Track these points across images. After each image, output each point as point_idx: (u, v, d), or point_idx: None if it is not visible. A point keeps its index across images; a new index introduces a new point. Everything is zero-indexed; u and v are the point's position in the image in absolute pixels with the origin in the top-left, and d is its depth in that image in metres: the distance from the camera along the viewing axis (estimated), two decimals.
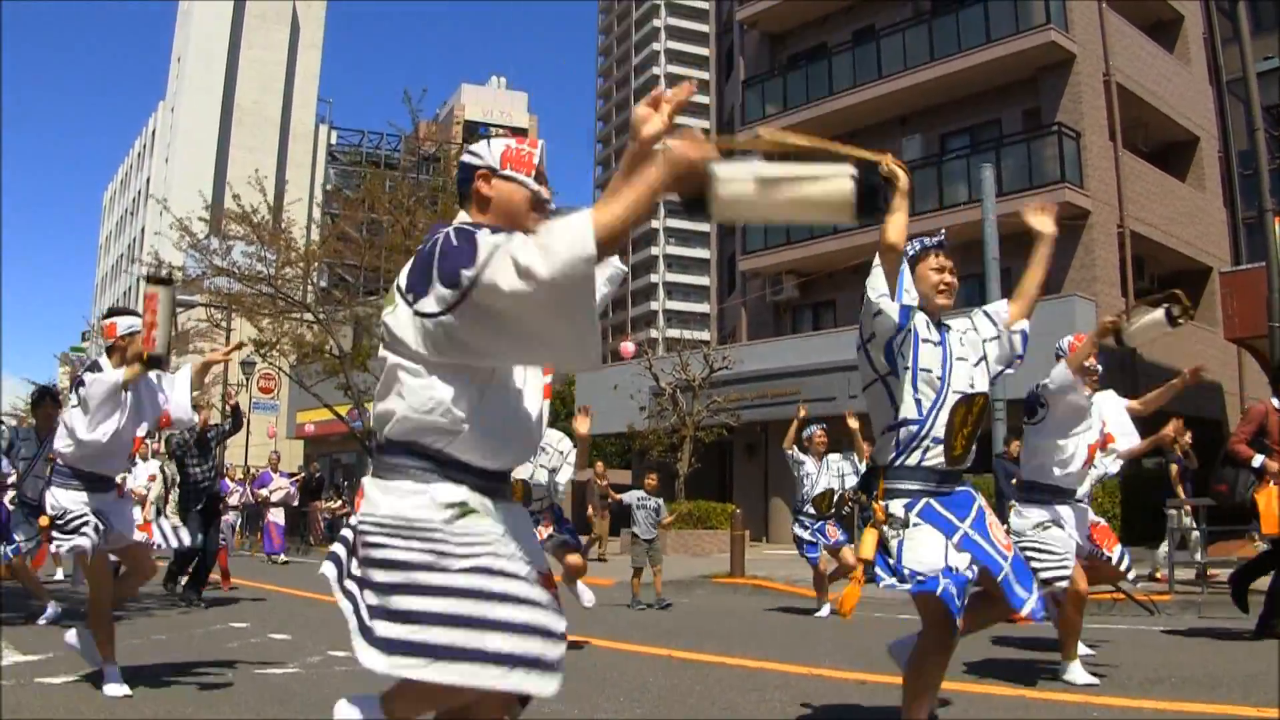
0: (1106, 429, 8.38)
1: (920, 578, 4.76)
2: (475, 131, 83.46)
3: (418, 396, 3.20)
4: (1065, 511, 7.68)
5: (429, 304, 3.10)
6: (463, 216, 3.50)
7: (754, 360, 31.39)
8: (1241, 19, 18.80)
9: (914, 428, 4.99)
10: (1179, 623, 11.23)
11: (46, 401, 11.37)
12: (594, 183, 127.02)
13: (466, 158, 3.59)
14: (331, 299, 34.53)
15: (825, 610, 12.97)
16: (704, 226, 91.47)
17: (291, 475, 30.10)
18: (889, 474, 5.04)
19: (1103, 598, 12.85)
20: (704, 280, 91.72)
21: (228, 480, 21.72)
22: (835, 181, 2.99)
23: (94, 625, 7.05)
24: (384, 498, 3.24)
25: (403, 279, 3.26)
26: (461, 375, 3.21)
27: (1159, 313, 7.08)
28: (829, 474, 12.98)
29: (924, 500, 4.94)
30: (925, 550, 4.82)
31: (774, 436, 31.76)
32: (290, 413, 51.79)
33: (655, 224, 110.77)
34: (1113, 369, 11.32)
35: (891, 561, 4.91)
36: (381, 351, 3.32)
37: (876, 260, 5.02)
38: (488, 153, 3.55)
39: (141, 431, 7.88)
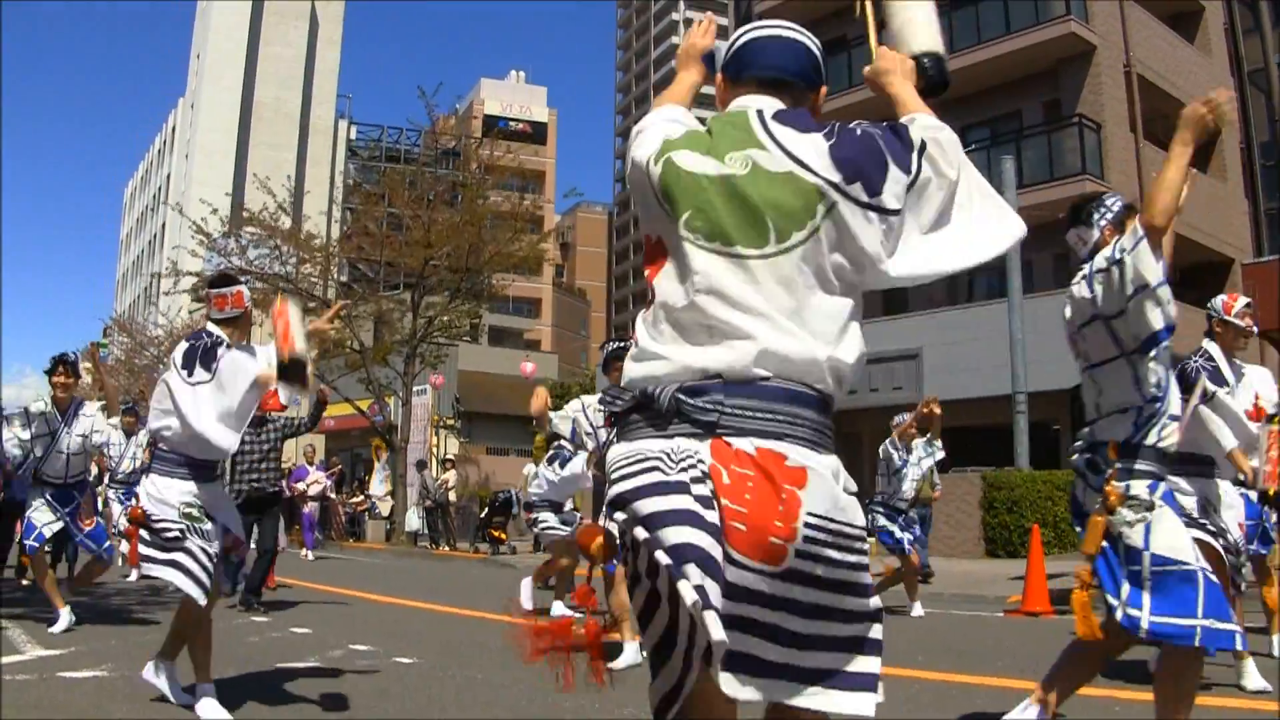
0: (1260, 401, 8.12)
1: (1175, 568, 4.49)
2: (494, 125, 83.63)
3: None
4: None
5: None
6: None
7: None
8: (1262, 10, 18.82)
9: (1157, 405, 4.76)
10: None
11: (60, 370, 10.38)
12: (614, 176, 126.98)
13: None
14: (352, 294, 34.56)
15: (918, 609, 12.32)
16: None
17: (328, 469, 30.04)
18: (1124, 454, 4.77)
19: None
20: None
21: (306, 466, 21.43)
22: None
23: (189, 644, 6.44)
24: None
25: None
26: None
27: None
28: (914, 467, 12.55)
29: (1164, 483, 4.72)
30: (1176, 536, 4.58)
31: None
32: None
33: None
34: None
35: (1113, 561, 4.65)
36: None
37: (1139, 237, 4.60)
38: None
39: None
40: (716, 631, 2.26)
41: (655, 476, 2.48)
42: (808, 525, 2.44)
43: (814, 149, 2.66)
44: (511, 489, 29.37)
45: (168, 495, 6.31)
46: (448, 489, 30.37)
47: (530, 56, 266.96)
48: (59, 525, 10.35)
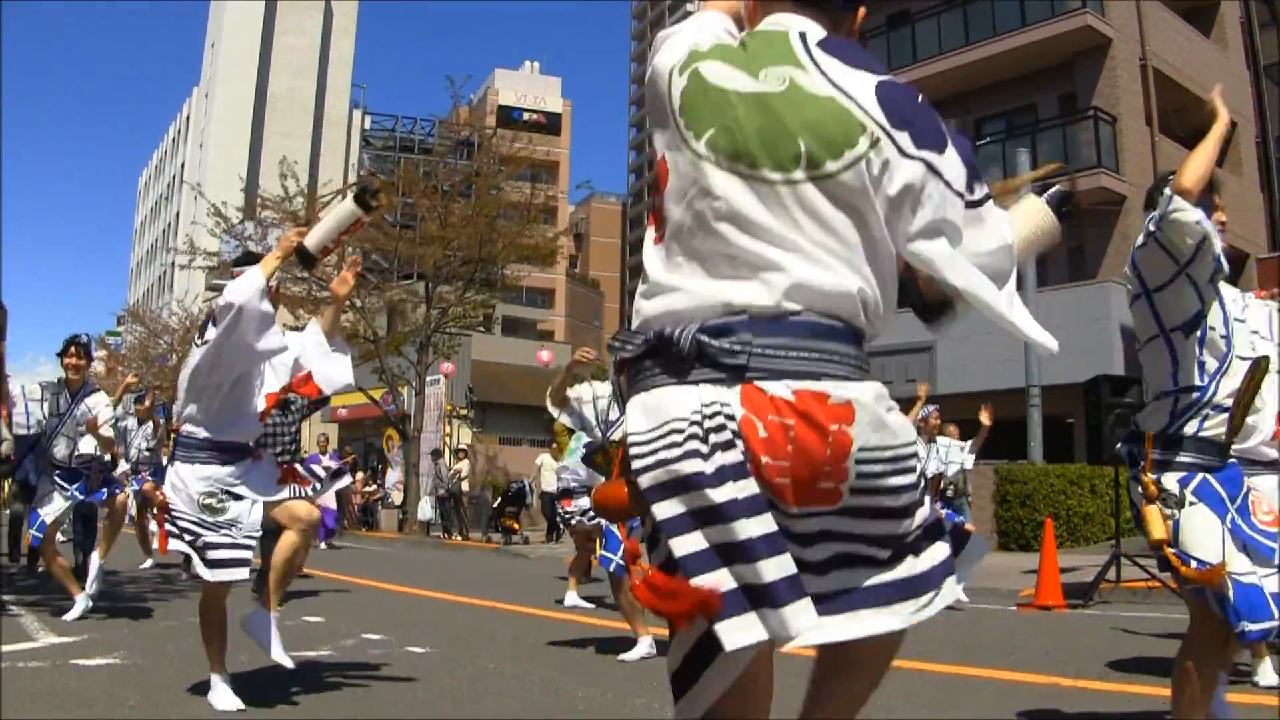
0: None
1: (1205, 568, 4.31)
2: (509, 116, 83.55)
3: None
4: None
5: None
6: None
7: None
8: (1279, 5, 18.68)
9: (1195, 395, 4.57)
10: None
11: (71, 351, 10.17)
12: (628, 167, 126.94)
13: None
14: (366, 284, 34.62)
15: None
16: None
17: (341, 457, 30.00)
18: (1162, 445, 4.62)
19: (1137, 585, 12.81)
20: None
21: (319, 455, 21.37)
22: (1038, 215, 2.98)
23: (205, 634, 6.35)
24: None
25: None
26: None
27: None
28: (935, 459, 12.62)
29: (1200, 475, 4.51)
30: (1204, 534, 4.40)
31: None
32: None
33: None
34: None
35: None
36: None
37: (1170, 203, 4.41)
38: None
39: (275, 387, 6.65)
40: (736, 641, 2.17)
41: (688, 466, 2.22)
42: (860, 461, 2.28)
43: (861, 84, 2.40)
44: (524, 479, 29.39)
45: (188, 484, 6.19)
46: (461, 478, 30.40)
47: (545, 47, 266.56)
48: (66, 505, 10.22)
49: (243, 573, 6.20)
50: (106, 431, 10.21)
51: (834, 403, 2.27)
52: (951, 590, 2.50)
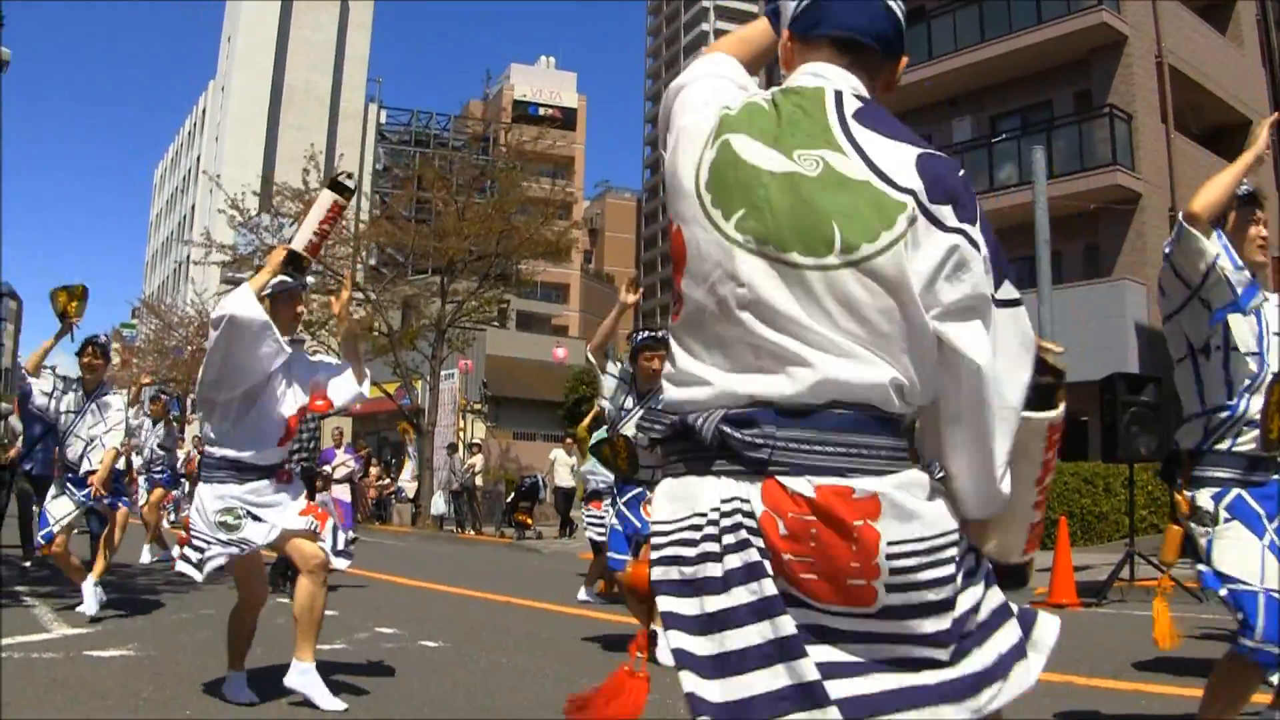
0: None
1: (1237, 586, 4.23)
2: (525, 111, 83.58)
3: None
4: None
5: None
6: None
7: None
8: None
9: (1225, 413, 4.49)
10: None
11: (89, 350, 9.93)
12: (643, 162, 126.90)
13: None
14: (381, 278, 34.68)
15: None
16: None
17: (356, 450, 30.02)
18: (1194, 461, 4.54)
19: (1151, 584, 12.79)
20: None
21: (334, 448, 21.47)
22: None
23: (231, 630, 6.42)
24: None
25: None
26: None
27: None
28: None
29: (1234, 491, 4.41)
30: (1239, 553, 4.29)
31: None
32: None
33: None
34: None
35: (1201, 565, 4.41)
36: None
37: (1179, 230, 4.40)
38: None
39: (291, 410, 6.41)
40: None
41: (697, 569, 2.17)
42: (891, 556, 2.11)
43: (901, 158, 2.24)
44: (538, 474, 29.42)
45: (206, 504, 6.15)
46: (474, 473, 30.44)
47: (560, 42, 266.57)
48: (76, 511, 9.83)
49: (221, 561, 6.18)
50: (110, 456, 9.89)
51: (858, 497, 2.13)
52: (1024, 676, 2.28)
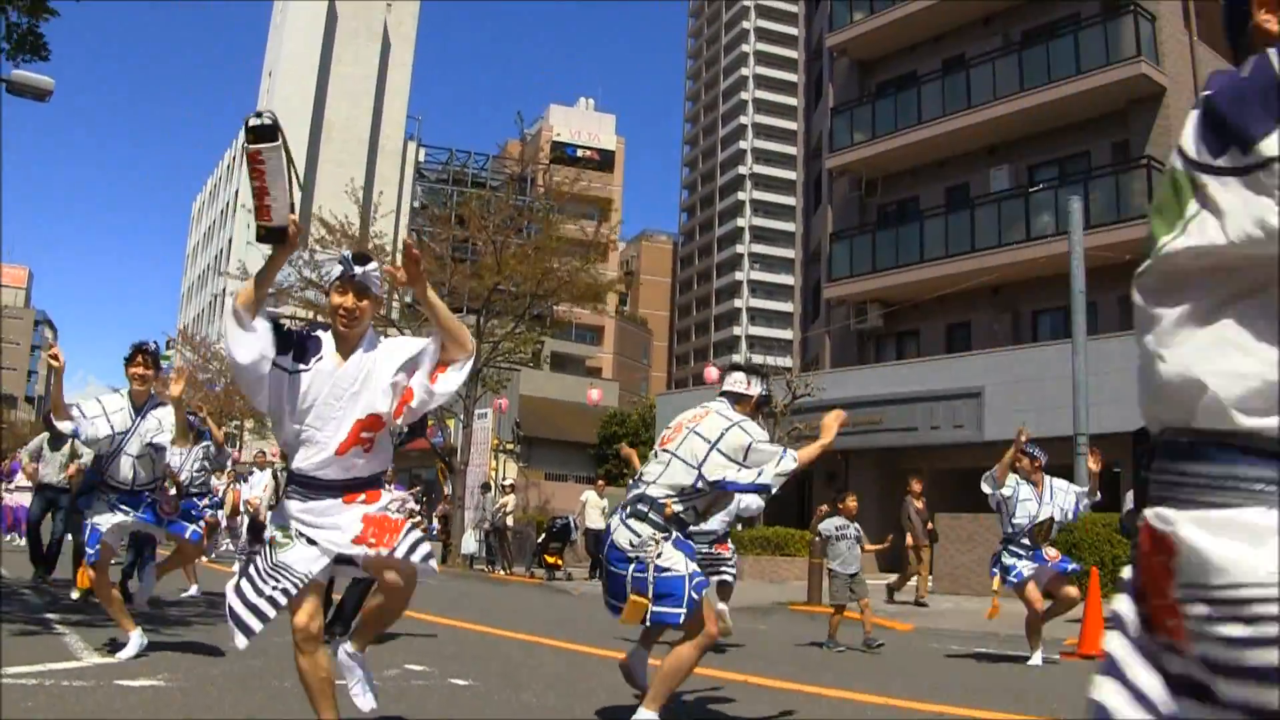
0: None
1: None
2: (563, 152, 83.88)
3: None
4: None
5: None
6: None
7: (836, 388, 30.78)
8: None
9: None
10: None
11: (139, 359, 9.20)
12: (679, 206, 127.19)
13: None
14: (418, 315, 34.77)
15: (1038, 658, 11.61)
16: (788, 253, 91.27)
17: (409, 487, 29.96)
18: None
19: None
20: (788, 307, 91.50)
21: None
22: None
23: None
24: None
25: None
26: None
27: None
28: (1052, 503, 11.81)
29: None
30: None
31: (854, 464, 31.66)
32: None
33: (740, 249, 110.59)
34: None
35: None
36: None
37: None
38: None
39: (361, 415, 5.47)
40: None
41: None
42: (1184, 600, 1.85)
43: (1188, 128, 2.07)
44: (569, 515, 29.36)
45: (271, 520, 5.58)
46: (506, 513, 30.42)
47: (599, 83, 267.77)
48: (123, 519, 9.32)
49: (254, 627, 5.37)
50: (158, 439, 9.34)
51: (1157, 530, 1.94)
52: None
